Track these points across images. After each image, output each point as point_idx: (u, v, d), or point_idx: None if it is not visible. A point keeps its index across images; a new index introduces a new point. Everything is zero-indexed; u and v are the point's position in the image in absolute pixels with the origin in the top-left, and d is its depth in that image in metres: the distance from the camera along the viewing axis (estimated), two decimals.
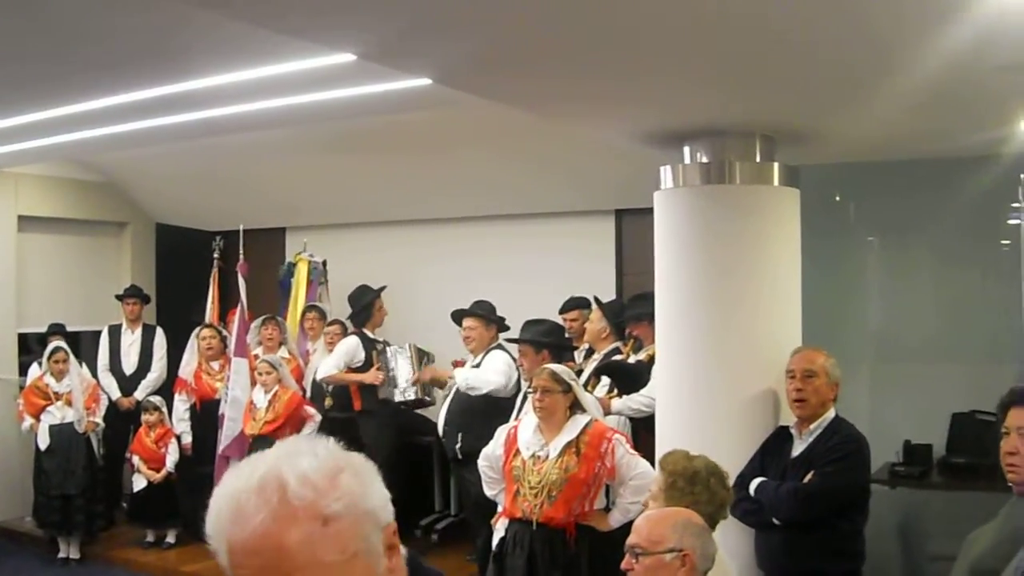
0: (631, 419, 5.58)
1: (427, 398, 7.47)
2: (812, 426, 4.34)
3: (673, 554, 2.85)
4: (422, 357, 7.45)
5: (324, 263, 8.81)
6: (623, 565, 2.93)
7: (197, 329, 8.28)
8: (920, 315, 6.39)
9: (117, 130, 6.17)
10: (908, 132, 5.02)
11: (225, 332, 8.34)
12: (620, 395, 5.62)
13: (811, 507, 4.14)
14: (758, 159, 4.82)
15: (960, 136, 5.03)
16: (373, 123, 6.33)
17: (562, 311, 6.92)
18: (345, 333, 7.85)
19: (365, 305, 7.72)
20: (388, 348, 7.51)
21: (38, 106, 5.66)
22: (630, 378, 5.63)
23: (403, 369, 7.39)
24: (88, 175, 9.13)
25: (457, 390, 6.68)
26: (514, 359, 6.60)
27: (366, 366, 7.49)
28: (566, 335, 6.70)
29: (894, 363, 6.45)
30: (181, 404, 8.06)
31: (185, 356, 8.24)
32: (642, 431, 5.39)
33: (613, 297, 7.07)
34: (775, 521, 4.24)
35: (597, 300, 6.38)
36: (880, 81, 3.79)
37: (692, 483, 3.51)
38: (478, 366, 6.68)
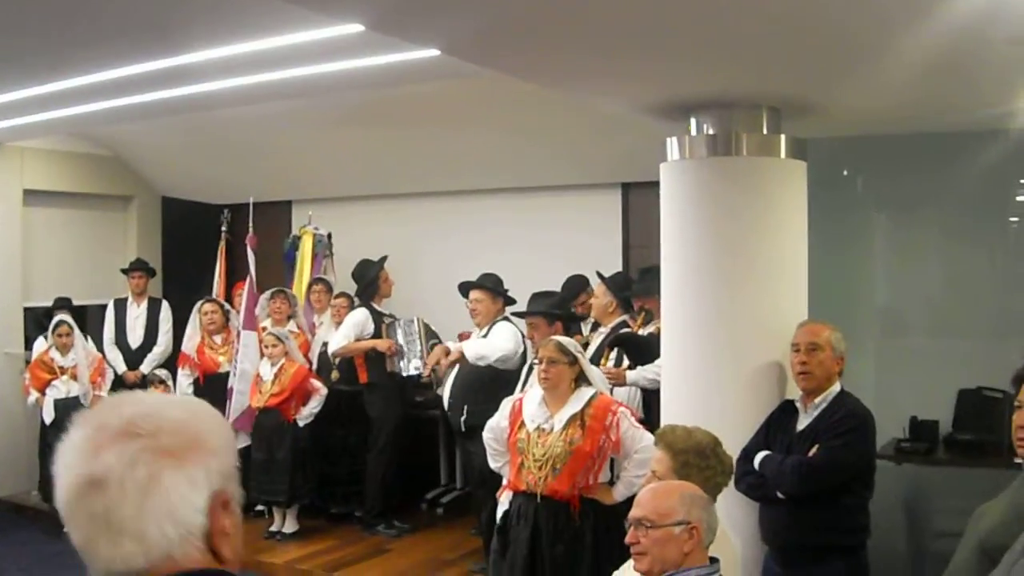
0: (644, 390, 5.59)
1: (432, 381, 7.46)
2: (817, 400, 4.32)
3: (681, 526, 2.84)
4: (430, 335, 7.44)
5: (329, 236, 8.80)
6: (628, 539, 2.92)
7: (199, 304, 8.26)
8: (927, 291, 6.36)
9: (122, 103, 6.16)
10: (914, 104, 4.97)
11: (228, 306, 8.34)
12: (633, 367, 5.62)
13: (815, 480, 4.13)
14: (765, 131, 4.77)
15: (968, 110, 4.99)
16: (379, 96, 6.31)
17: (572, 298, 6.85)
18: (352, 305, 7.84)
19: (371, 279, 7.70)
20: (397, 321, 7.51)
21: (41, 79, 5.64)
22: (642, 350, 5.63)
23: (411, 343, 7.39)
24: (94, 149, 9.10)
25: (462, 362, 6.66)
26: (521, 333, 6.59)
27: (375, 339, 7.48)
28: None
29: (901, 339, 6.44)
30: (185, 379, 8.08)
31: (187, 331, 8.25)
32: (655, 402, 5.38)
33: (618, 270, 7.04)
34: (779, 495, 4.24)
35: (600, 275, 6.36)
36: (885, 51, 3.73)
37: (704, 457, 3.50)
38: (485, 337, 6.67)
